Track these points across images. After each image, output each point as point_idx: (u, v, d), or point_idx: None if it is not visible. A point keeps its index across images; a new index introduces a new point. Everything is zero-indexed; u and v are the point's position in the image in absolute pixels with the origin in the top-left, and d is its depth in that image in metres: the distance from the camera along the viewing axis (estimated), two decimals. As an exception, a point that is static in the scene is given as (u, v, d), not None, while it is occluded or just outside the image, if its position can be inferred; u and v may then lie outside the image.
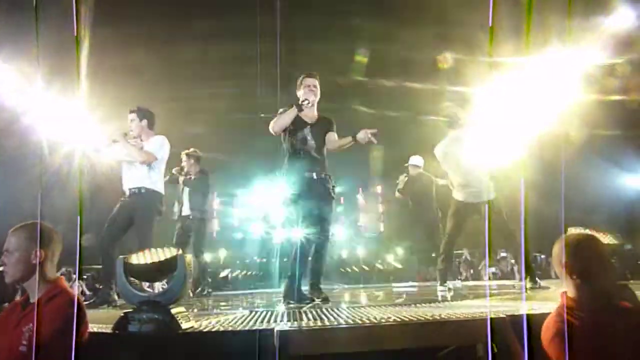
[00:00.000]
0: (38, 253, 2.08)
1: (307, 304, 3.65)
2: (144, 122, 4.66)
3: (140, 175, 4.50)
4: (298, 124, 3.97)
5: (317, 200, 3.85)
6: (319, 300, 3.72)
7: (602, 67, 6.21)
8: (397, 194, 6.59)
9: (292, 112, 3.91)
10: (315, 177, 3.89)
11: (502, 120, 5.32)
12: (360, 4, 7.89)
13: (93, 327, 2.46)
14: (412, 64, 8.11)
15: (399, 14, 7.51)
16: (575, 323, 1.71)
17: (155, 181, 4.55)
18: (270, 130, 3.99)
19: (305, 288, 3.92)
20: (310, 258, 3.87)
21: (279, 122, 3.94)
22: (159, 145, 4.57)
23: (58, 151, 6.84)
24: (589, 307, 1.73)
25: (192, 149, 6.28)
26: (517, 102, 6.11)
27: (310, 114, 4.05)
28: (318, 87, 4.07)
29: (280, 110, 4.01)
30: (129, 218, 4.47)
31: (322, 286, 3.90)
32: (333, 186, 4.00)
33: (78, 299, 2.10)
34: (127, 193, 4.53)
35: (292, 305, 3.65)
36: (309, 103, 3.93)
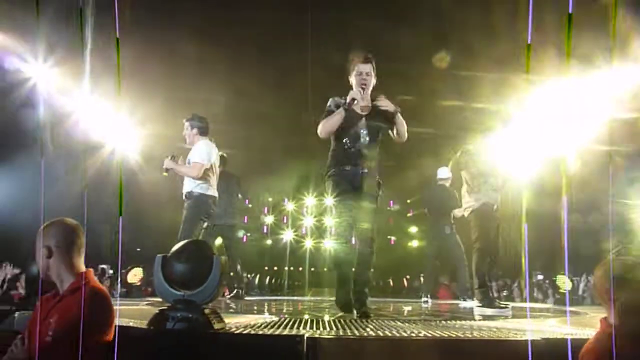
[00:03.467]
0: (54, 249, 2.17)
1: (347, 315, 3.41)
2: (195, 130, 4.86)
3: (188, 180, 4.71)
4: (349, 118, 3.52)
5: (365, 199, 3.48)
6: (357, 315, 3.38)
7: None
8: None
9: (339, 115, 3.49)
10: (365, 172, 3.49)
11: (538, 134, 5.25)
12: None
13: (130, 322, 2.54)
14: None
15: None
16: (615, 350, 1.65)
17: (202, 185, 4.68)
18: (319, 134, 3.58)
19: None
20: (356, 264, 3.51)
21: (327, 125, 3.53)
22: (199, 152, 4.71)
23: (101, 152, 7.12)
24: (631, 335, 1.67)
25: (220, 152, 6.39)
26: (557, 118, 6.01)
27: (364, 103, 3.58)
28: (373, 73, 3.59)
29: (329, 102, 3.60)
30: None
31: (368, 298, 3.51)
32: (379, 182, 3.60)
33: (104, 292, 2.17)
34: (183, 197, 4.75)
35: (320, 314, 3.61)
36: (357, 102, 3.49)
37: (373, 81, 3.61)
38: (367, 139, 3.53)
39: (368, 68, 3.57)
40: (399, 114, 3.53)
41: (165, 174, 4.75)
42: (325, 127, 3.54)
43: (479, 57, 7.31)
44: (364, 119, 3.55)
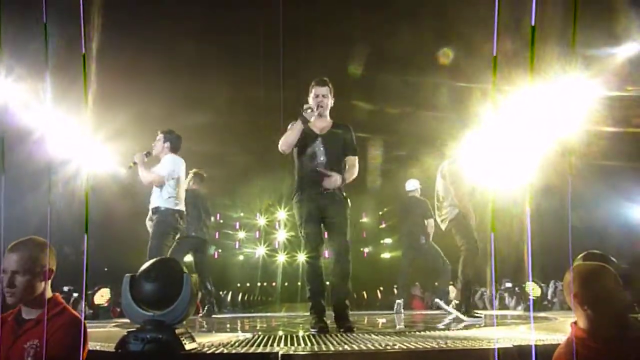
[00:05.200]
0: (47, 269, 2.07)
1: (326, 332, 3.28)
2: (167, 144, 4.83)
3: (155, 196, 4.67)
4: (307, 136, 3.62)
5: (332, 215, 3.56)
6: (342, 330, 3.33)
7: (608, 98, 6.29)
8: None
9: (297, 127, 3.57)
10: (325, 193, 3.54)
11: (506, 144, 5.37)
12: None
13: (96, 346, 2.44)
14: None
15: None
16: (586, 354, 1.68)
17: (169, 199, 4.64)
18: (279, 149, 3.65)
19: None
20: (334, 276, 3.56)
21: (286, 139, 3.61)
22: (164, 165, 4.70)
23: (66, 168, 6.92)
24: (601, 338, 1.71)
25: (196, 170, 6.32)
26: (521, 128, 6.19)
27: (321, 123, 3.70)
28: (330, 95, 3.72)
29: (290, 125, 3.67)
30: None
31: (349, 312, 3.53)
32: (345, 197, 3.65)
33: (79, 317, 2.09)
34: (150, 213, 4.70)
35: (294, 330, 3.58)
36: (313, 111, 3.56)
37: (330, 103, 3.73)
38: (324, 158, 3.62)
39: (325, 90, 3.69)
40: (345, 177, 3.63)
41: (131, 165, 4.72)
42: (284, 141, 3.63)
43: (459, 65, 7.51)
44: (320, 138, 3.65)
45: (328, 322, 3.46)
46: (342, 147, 3.69)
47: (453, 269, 5.60)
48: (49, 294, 2.11)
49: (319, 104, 3.63)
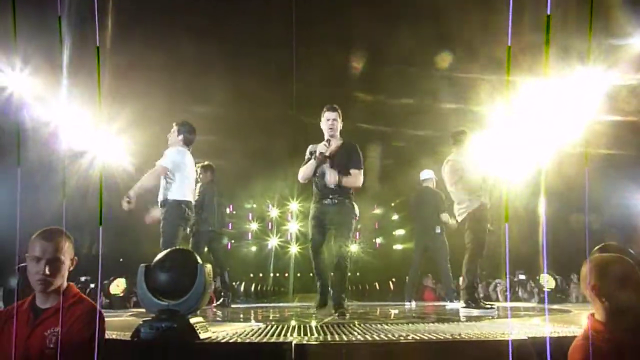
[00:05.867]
0: (73, 259, 2.15)
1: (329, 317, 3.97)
2: (180, 137, 4.81)
3: (162, 189, 4.65)
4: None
5: (338, 222, 4.23)
6: (336, 314, 3.99)
7: (623, 87, 6.17)
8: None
9: (311, 165, 4.29)
10: (335, 202, 4.24)
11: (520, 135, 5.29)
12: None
13: (112, 335, 2.48)
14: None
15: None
16: (603, 346, 1.66)
17: (176, 191, 4.62)
18: (299, 179, 4.39)
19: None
20: (334, 273, 4.25)
21: (303, 173, 4.33)
22: (167, 157, 4.66)
23: (80, 160, 7.01)
24: (619, 330, 1.68)
25: (206, 162, 6.32)
26: (537, 120, 6.10)
27: (332, 144, 4.31)
28: (339, 119, 4.33)
29: (308, 150, 4.39)
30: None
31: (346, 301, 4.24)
32: (353, 205, 4.31)
33: (95, 305, 2.13)
34: (159, 206, 4.69)
35: (306, 320, 3.65)
36: (322, 153, 4.23)
37: (339, 126, 4.36)
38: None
39: (334, 115, 4.31)
40: (343, 180, 4.22)
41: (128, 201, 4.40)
42: (302, 175, 4.36)
43: (476, 59, 7.41)
44: (329, 160, 4.30)
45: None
46: (347, 164, 4.28)
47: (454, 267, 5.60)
48: (64, 283, 2.16)
49: (330, 127, 4.28)
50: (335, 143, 4.33)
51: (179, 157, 4.68)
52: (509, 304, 6.46)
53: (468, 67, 7.74)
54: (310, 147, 4.42)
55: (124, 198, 4.36)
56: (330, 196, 4.25)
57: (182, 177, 4.66)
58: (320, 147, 4.25)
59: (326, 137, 4.31)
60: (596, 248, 2.37)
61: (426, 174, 6.64)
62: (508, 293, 7.30)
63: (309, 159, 4.35)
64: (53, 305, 2.08)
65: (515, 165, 5.30)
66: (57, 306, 2.06)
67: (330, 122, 4.28)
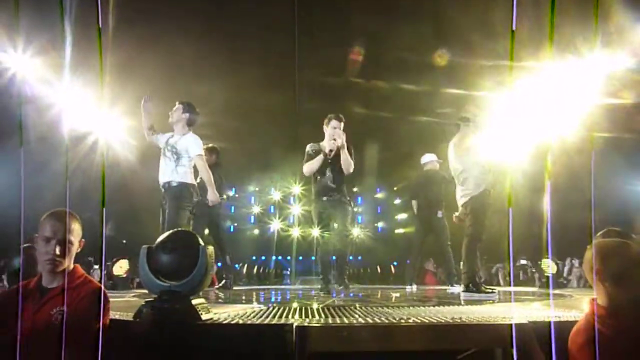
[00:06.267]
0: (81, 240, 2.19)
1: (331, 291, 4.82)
2: (186, 115, 4.81)
3: (169, 170, 4.68)
4: (322, 161, 4.93)
5: (338, 214, 4.91)
6: (340, 287, 5.03)
7: (629, 71, 6.08)
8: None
9: (319, 159, 4.89)
10: (333, 198, 4.92)
11: (522, 121, 5.24)
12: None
13: (115, 315, 2.50)
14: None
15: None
16: (605, 331, 1.66)
17: (183, 174, 4.68)
18: (304, 173, 5.02)
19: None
20: (336, 258, 5.11)
21: (309, 168, 4.94)
22: (197, 144, 4.76)
23: (83, 142, 7.00)
24: (622, 315, 1.68)
25: (211, 144, 6.30)
26: (540, 105, 6.03)
27: (332, 151, 4.87)
28: (341, 128, 4.91)
29: (308, 148, 4.99)
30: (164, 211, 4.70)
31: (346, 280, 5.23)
32: (349, 199, 5.03)
33: (102, 287, 2.15)
34: (161, 187, 4.73)
35: (308, 302, 3.68)
36: (332, 152, 4.83)
37: (343, 134, 4.89)
38: (331, 175, 4.96)
39: (339, 124, 4.92)
40: (343, 150, 4.82)
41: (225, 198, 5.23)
42: (308, 169, 4.98)
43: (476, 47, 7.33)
44: (329, 161, 4.93)
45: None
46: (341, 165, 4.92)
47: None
48: (71, 265, 2.18)
49: (332, 134, 4.86)
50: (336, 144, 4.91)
51: (199, 141, 4.78)
52: (512, 289, 6.48)
53: (471, 54, 7.66)
54: (310, 146, 4.99)
55: (222, 197, 5.23)
56: (330, 194, 4.92)
57: (189, 160, 4.70)
58: (331, 146, 4.83)
59: (328, 139, 4.90)
60: (599, 233, 2.36)
61: (427, 157, 6.61)
62: (512, 277, 7.32)
63: (311, 156, 4.93)
64: (59, 285, 2.10)
65: (519, 149, 5.25)
66: (63, 286, 2.09)
67: (336, 129, 4.88)
